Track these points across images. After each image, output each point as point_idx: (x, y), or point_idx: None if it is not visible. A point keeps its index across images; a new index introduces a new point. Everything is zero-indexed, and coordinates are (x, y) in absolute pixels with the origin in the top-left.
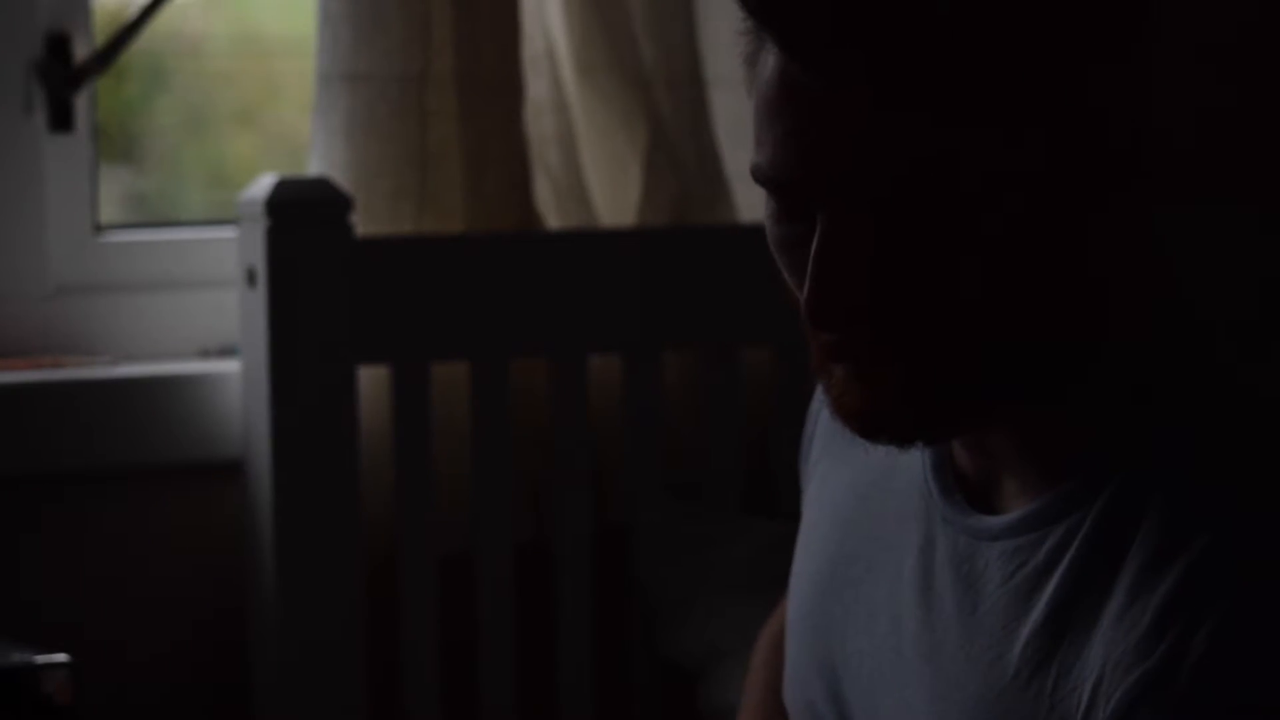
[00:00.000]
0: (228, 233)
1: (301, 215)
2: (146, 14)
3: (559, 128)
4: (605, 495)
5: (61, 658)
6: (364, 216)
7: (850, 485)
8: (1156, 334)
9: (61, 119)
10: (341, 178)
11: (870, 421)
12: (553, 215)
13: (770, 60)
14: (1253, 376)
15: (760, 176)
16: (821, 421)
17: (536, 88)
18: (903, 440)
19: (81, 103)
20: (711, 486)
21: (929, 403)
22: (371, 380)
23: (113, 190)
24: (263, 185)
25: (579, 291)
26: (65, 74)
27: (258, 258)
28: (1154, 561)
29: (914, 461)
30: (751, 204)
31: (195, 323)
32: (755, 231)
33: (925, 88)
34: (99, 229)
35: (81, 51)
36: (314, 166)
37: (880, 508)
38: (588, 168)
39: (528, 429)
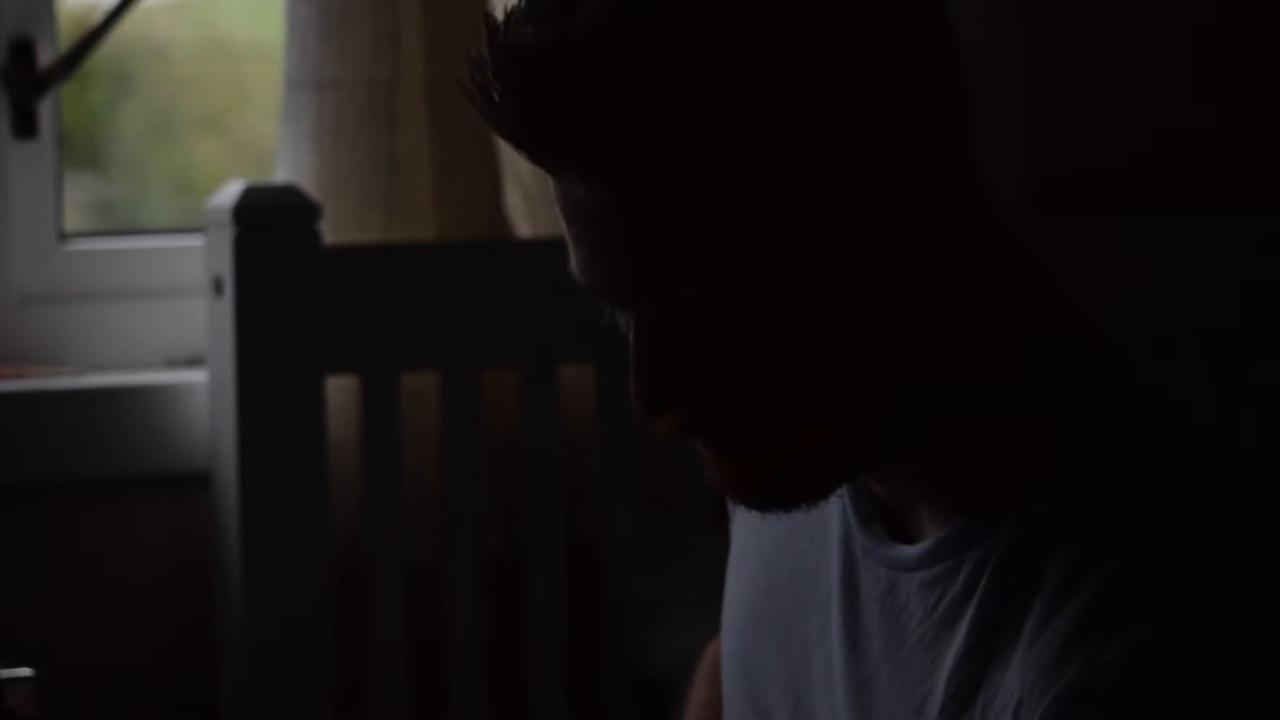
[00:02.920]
0: (194, 241)
1: (269, 223)
2: (112, 19)
3: None
4: (577, 506)
5: (25, 671)
6: (332, 224)
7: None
8: (1069, 354)
9: (25, 125)
10: (309, 185)
11: (748, 498)
12: (524, 223)
13: None
14: (1173, 392)
15: (573, 279)
16: None
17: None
18: (786, 508)
19: (46, 109)
20: (684, 498)
21: (805, 476)
22: (340, 390)
23: (77, 198)
24: (230, 193)
25: (551, 300)
26: (29, 80)
27: (225, 266)
28: (1065, 583)
29: None
30: None
31: (161, 332)
32: None
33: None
34: (63, 237)
35: (46, 57)
36: (281, 173)
37: (806, 538)
38: None
39: (499, 439)
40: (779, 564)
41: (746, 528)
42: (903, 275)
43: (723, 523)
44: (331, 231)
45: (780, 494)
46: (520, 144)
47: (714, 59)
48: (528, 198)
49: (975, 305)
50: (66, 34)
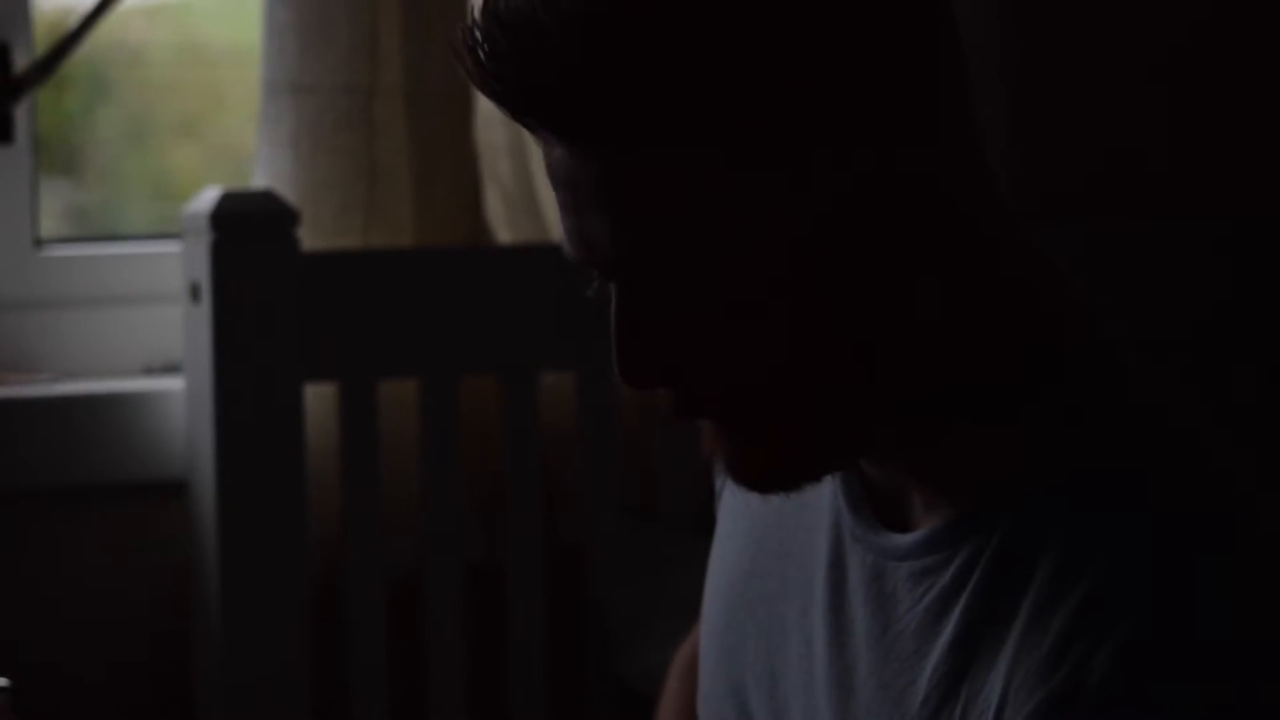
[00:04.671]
0: (171, 247)
1: (246, 229)
2: (88, 23)
3: (510, 139)
4: (558, 515)
5: (1, 681)
6: (310, 230)
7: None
8: (1064, 353)
9: (1, 130)
10: (287, 190)
11: (750, 480)
12: (504, 228)
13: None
14: (1163, 400)
15: (564, 251)
16: None
17: (487, 98)
18: (788, 490)
19: (21, 114)
20: (667, 506)
21: (806, 459)
22: (318, 398)
23: (53, 203)
24: (207, 198)
25: (531, 307)
26: (5, 84)
27: (202, 272)
28: (1056, 583)
29: None
30: None
31: (138, 339)
32: None
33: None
34: (39, 243)
35: (21, 61)
36: (259, 179)
37: (793, 519)
38: (539, 180)
39: (479, 447)
40: (764, 545)
41: (733, 507)
42: (881, 275)
43: (706, 530)
44: (310, 237)
45: (779, 480)
46: (500, 102)
47: (688, 49)
48: (508, 203)
49: (958, 304)
50: (42, 38)
